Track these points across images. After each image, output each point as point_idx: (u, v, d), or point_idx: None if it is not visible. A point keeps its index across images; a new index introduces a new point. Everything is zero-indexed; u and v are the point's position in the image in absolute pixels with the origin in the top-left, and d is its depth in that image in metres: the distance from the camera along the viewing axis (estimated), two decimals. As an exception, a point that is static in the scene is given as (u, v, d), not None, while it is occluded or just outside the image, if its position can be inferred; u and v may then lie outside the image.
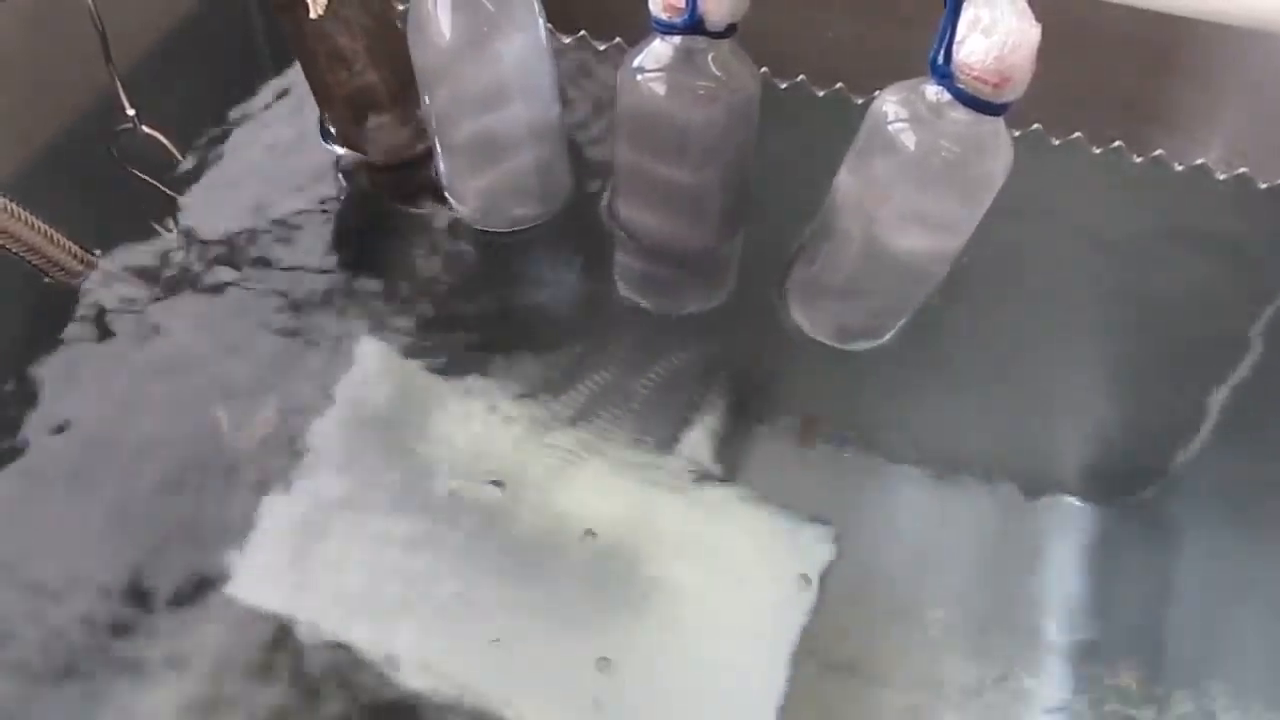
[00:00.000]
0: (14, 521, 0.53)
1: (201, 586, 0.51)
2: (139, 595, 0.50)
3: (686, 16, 0.47)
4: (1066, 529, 0.54)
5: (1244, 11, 0.38)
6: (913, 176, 0.47)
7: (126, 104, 0.56)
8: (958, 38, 0.41)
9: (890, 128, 0.46)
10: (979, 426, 0.58)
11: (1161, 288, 0.63)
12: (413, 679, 0.48)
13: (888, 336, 0.59)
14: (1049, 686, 0.49)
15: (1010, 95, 0.42)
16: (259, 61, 0.74)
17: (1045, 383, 0.59)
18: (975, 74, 0.41)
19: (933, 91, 0.44)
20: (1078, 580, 0.52)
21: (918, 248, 0.51)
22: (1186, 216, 0.67)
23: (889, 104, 0.47)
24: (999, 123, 0.44)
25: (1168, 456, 0.57)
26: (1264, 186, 0.66)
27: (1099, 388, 0.59)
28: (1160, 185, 0.67)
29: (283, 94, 0.71)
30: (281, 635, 0.49)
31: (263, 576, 0.51)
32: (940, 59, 0.42)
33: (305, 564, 0.52)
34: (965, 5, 0.41)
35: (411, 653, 0.49)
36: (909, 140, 0.46)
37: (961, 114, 0.44)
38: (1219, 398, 0.59)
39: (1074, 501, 0.55)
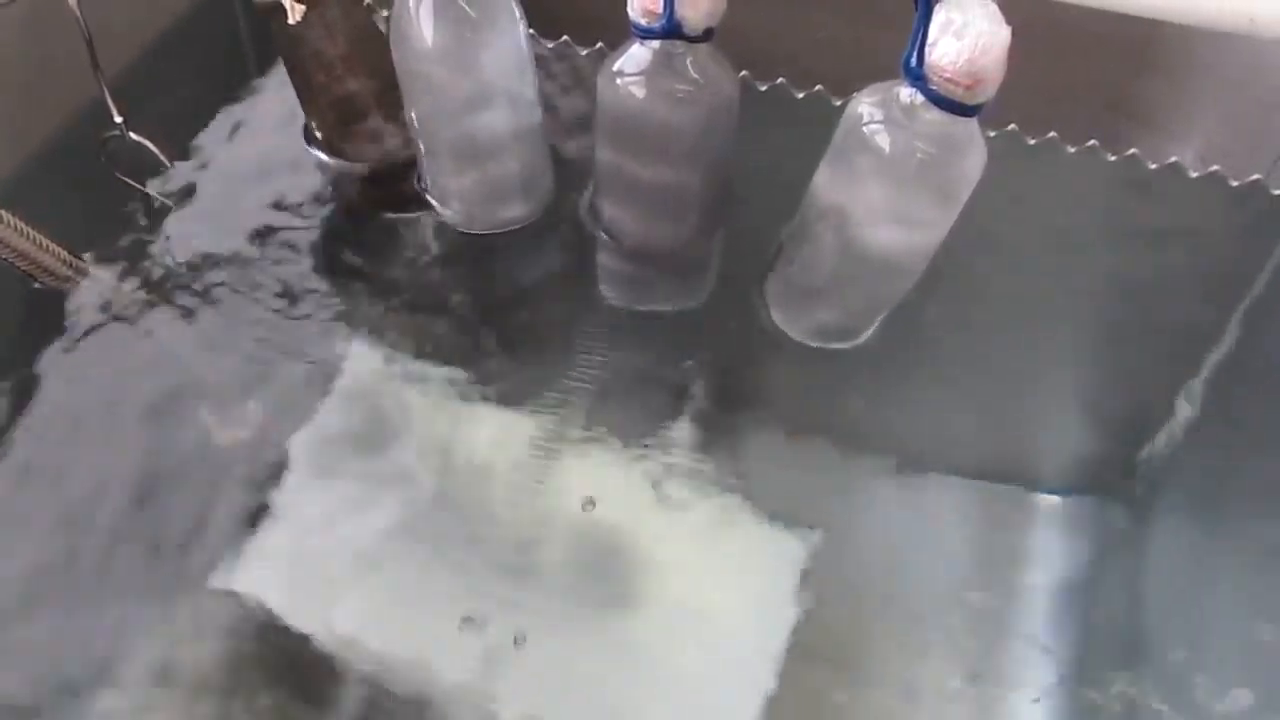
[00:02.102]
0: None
1: (189, 589, 0.51)
2: (125, 598, 0.51)
3: (664, 21, 0.47)
4: (1048, 524, 0.54)
5: (1213, 13, 0.39)
6: (888, 177, 0.48)
7: (114, 111, 0.56)
8: (929, 40, 0.42)
9: (865, 129, 0.47)
10: (958, 424, 0.59)
11: (1136, 284, 0.64)
12: (407, 679, 0.49)
13: (865, 335, 0.59)
14: (1033, 683, 0.49)
15: (982, 96, 0.43)
16: (246, 68, 0.74)
17: (1023, 380, 0.60)
18: (947, 76, 0.42)
19: (906, 93, 0.45)
20: (1061, 575, 0.53)
21: (894, 246, 0.52)
22: (1160, 214, 0.68)
23: (864, 106, 0.48)
24: (972, 123, 0.45)
25: (1148, 451, 0.57)
26: (1235, 184, 0.67)
27: (1076, 383, 0.60)
28: (1134, 183, 0.68)
29: (269, 101, 0.72)
30: (274, 636, 0.50)
31: (256, 578, 0.52)
32: (913, 61, 0.43)
33: (297, 565, 0.52)
34: (936, 9, 0.42)
35: (406, 653, 0.49)
36: (884, 141, 0.46)
37: (935, 115, 0.44)
38: (1196, 390, 0.59)
39: (1055, 497, 0.55)
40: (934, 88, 0.43)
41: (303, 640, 0.49)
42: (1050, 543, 0.54)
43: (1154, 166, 0.68)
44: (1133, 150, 0.68)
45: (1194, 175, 0.68)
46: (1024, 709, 0.49)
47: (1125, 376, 0.61)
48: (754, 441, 0.57)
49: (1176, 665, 0.50)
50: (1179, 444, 0.57)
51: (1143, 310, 0.63)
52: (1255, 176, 0.67)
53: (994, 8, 0.42)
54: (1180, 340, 0.62)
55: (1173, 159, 0.68)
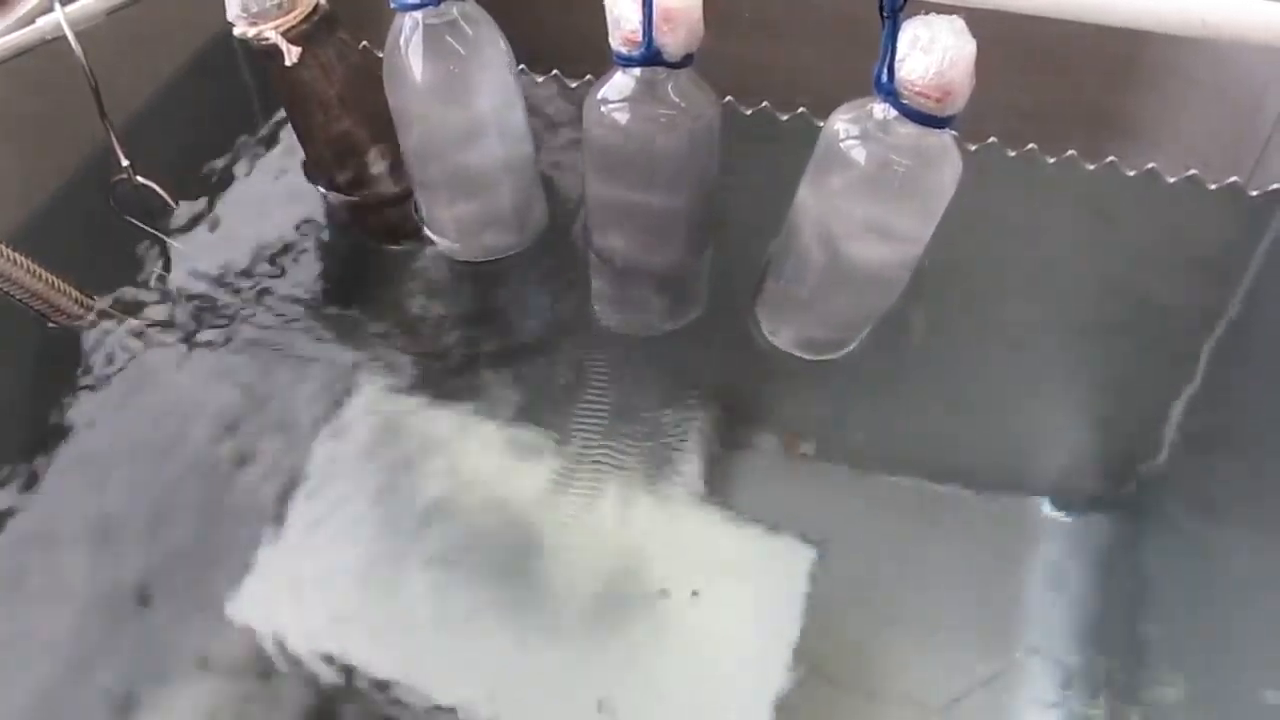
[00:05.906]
0: (21, 554, 0.54)
1: (201, 614, 0.52)
2: (140, 622, 0.52)
3: (644, 49, 0.49)
4: (1045, 532, 0.55)
5: (1162, 18, 0.41)
6: (866, 190, 0.49)
7: (121, 155, 0.58)
8: (899, 56, 0.44)
9: (842, 144, 0.49)
10: (954, 435, 0.59)
11: (1122, 291, 0.65)
12: (414, 700, 0.49)
13: (853, 346, 0.60)
14: (1039, 695, 0.49)
15: (952, 108, 0.44)
16: (247, 110, 0.76)
17: (1014, 390, 0.61)
18: (918, 89, 0.43)
19: (880, 109, 0.46)
20: (1059, 584, 0.53)
21: (876, 258, 0.53)
22: (1142, 220, 0.69)
23: (840, 123, 0.49)
24: (945, 135, 0.47)
25: (1148, 460, 0.58)
26: (1213, 187, 0.68)
27: (1066, 393, 0.60)
28: (1113, 190, 0.69)
29: (270, 140, 0.74)
30: (279, 662, 0.50)
31: (263, 605, 0.52)
32: (884, 77, 0.45)
33: (303, 592, 0.53)
34: (904, 26, 0.43)
35: (412, 675, 0.50)
36: (860, 155, 0.48)
37: (909, 128, 0.46)
38: (1186, 395, 0.60)
39: (1055, 507, 0.56)
40: (906, 101, 0.44)
41: (303, 669, 0.50)
42: (1053, 553, 0.54)
43: (1132, 174, 0.69)
44: (1111, 158, 0.70)
45: (1172, 180, 0.69)
46: (1031, 720, 0.49)
47: (1117, 385, 0.61)
48: (754, 455, 0.58)
49: (1183, 674, 0.50)
50: (1178, 453, 0.58)
51: (1130, 317, 0.64)
52: (1233, 179, 0.68)
53: (960, 23, 0.43)
54: (1171, 348, 0.63)
55: (1150, 165, 0.69)
